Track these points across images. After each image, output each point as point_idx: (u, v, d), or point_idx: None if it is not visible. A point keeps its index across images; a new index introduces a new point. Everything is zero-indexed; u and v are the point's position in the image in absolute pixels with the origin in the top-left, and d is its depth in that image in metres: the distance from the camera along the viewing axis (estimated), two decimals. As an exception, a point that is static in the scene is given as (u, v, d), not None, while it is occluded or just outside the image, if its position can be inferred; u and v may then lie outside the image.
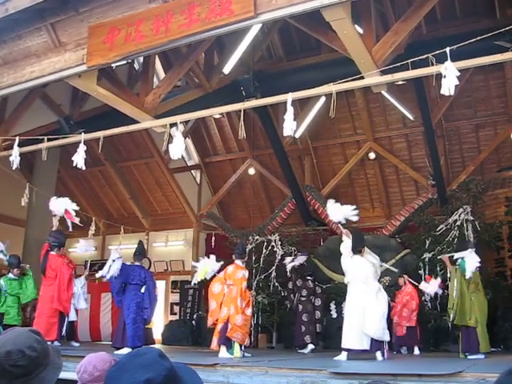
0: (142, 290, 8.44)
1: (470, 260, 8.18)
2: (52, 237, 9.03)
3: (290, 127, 6.77)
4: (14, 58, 8.19)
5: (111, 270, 8.15)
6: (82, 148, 8.32)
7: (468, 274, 8.13)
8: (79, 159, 8.25)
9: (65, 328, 8.71)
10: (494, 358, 7.98)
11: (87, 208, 16.48)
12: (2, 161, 10.07)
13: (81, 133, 9.13)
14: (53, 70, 7.69)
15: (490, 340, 8.19)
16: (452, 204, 12.20)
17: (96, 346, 10.54)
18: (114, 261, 8.18)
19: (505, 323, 10.81)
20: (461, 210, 11.37)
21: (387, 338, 7.32)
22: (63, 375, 2.04)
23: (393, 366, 6.07)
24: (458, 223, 11.25)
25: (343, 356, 7.13)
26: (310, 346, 10.35)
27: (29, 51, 8.01)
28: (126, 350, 7.89)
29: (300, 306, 10.70)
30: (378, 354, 7.10)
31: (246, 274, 8.17)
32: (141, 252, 9.01)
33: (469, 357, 7.87)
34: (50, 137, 9.38)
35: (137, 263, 8.79)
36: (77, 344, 10.30)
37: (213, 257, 8.36)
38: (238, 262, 8.25)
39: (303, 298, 10.74)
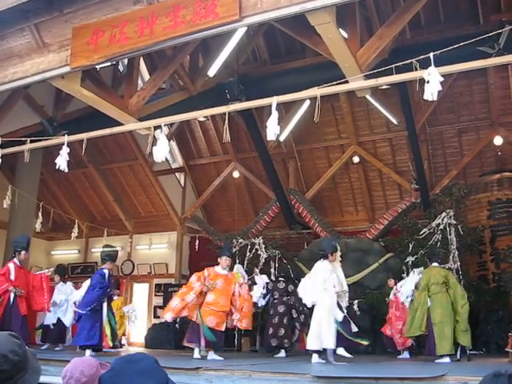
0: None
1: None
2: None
3: (274, 131, 6.77)
4: (-4, 58, 8.12)
5: None
6: (65, 150, 8.26)
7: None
8: (62, 161, 8.19)
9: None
10: (476, 361, 8.02)
11: (70, 210, 16.38)
12: (-17, 162, 9.97)
13: (64, 134, 9.06)
14: (36, 71, 7.63)
15: (472, 343, 8.16)
16: (435, 208, 12.28)
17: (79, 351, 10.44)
18: None
19: (487, 326, 10.90)
20: (444, 214, 11.44)
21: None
22: (44, 379, 2.02)
23: (375, 370, 6.09)
24: (441, 227, 11.31)
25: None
26: (282, 353, 10.10)
27: (12, 52, 7.93)
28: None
29: (271, 310, 10.52)
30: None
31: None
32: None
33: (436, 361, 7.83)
34: (32, 138, 9.30)
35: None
36: (58, 348, 10.21)
37: None
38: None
39: (275, 301, 10.55)
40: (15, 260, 8.22)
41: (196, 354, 7.65)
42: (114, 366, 1.49)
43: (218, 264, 8.13)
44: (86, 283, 9.23)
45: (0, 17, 7.37)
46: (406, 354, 9.81)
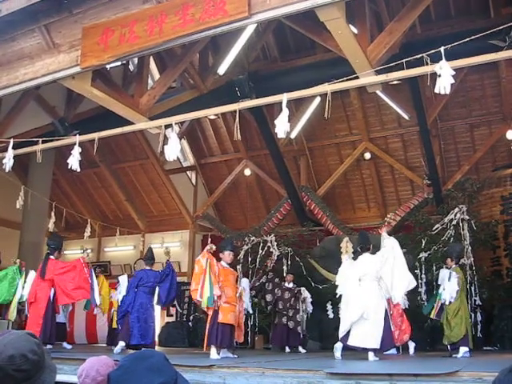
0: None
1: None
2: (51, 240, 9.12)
3: (284, 129, 6.76)
4: (7, 59, 8.15)
5: None
6: (76, 150, 8.30)
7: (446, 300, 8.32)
8: (74, 161, 8.23)
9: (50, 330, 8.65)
10: (491, 357, 7.98)
11: (83, 210, 16.46)
12: (-4, 163, 10.04)
13: (75, 134, 9.10)
14: (46, 72, 7.66)
15: (486, 339, 8.19)
16: (448, 203, 12.21)
17: (91, 349, 10.50)
18: None
19: (501, 322, 10.82)
20: (456, 209, 11.37)
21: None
22: (59, 378, 2.03)
23: (389, 366, 6.07)
24: (454, 222, 11.24)
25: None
26: (300, 349, 10.41)
27: (22, 53, 7.97)
28: (122, 343, 8.07)
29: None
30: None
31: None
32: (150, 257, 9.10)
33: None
34: (44, 139, 9.35)
35: (147, 267, 8.88)
36: (69, 346, 10.25)
37: None
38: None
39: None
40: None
41: (215, 354, 7.54)
42: (123, 364, 1.49)
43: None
44: (124, 281, 9.44)
45: (10, 19, 7.40)
46: (393, 351, 9.79)
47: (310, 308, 10.89)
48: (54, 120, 10.84)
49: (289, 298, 10.81)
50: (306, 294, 10.92)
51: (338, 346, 7.14)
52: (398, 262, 7.29)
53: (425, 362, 7.52)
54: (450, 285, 8.32)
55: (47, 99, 11.78)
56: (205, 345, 7.65)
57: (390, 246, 7.38)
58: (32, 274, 8.93)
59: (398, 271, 7.23)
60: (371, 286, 7.20)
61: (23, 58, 7.96)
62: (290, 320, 10.61)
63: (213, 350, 7.44)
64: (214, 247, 7.76)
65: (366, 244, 7.62)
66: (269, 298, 11.22)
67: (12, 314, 9.18)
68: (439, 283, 8.68)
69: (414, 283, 7.48)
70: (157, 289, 8.65)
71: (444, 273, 8.64)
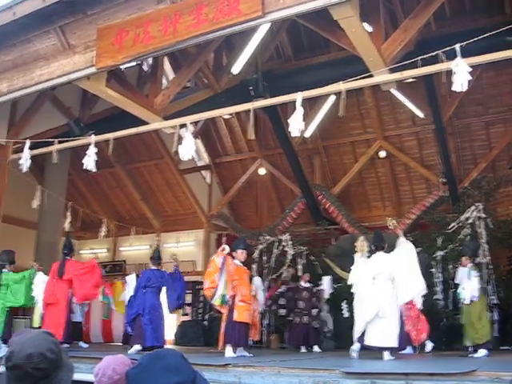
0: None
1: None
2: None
3: (298, 128, 6.75)
4: (23, 61, 8.24)
5: None
6: (92, 150, 8.37)
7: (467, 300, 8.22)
8: (90, 161, 8.30)
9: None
10: (508, 356, 7.91)
11: (98, 210, 16.55)
12: (13, 163, 10.14)
13: (91, 135, 9.17)
14: (62, 73, 7.72)
15: (502, 338, 8.13)
16: (464, 201, 12.12)
17: (107, 348, 10.56)
18: None
19: (518, 321, 10.73)
20: (473, 207, 11.28)
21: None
22: (75, 376, 2.04)
23: (405, 365, 6.04)
24: (470, 221, 11.16)
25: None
26: (316, 348, 10.44)
27: (38, 54, 8.05)
28: (138, 346, 8.03)
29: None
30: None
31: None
32: (157, 257, 9.08)
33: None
34: (60, 139, 9.44)
35: (153, 267, 8.85)
36: (85, 345, 10.32)
37: None
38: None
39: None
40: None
41: (231, 353, 7.53)
42: (141, 362, 1.50)
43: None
44: (132, 281, 9.49)
45: (25, 21, 7.48)
46: (409, 350, 9.75)
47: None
48: (70, 121, 10.94)
49: (308, 297, 10.80)
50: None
51: (356, 347, 7.11)
52: (413, 266, 7.29)
53: (441, 361, 7.48)
54: (470, 283, 8.23)
55: (62, 100, 11.86)
56: (220, 344, 7.67)
57: (406, 251, 7.39)
58: (41, 276, 8.97)
59: (413, 275, 7.23)
60: (385, 284, 7.19)
61: (39, 59, 8.04)
62: (314, 320, 10.64)
63: (228, 348, 7.45)
64: (227, 249, 7.77)
65: (381, 243, 7.60)
66: (283, 304, 11.31)
67: (36, 320, 9.22)
68: (457, 282, 8.58)
69: (424, 291, 7.53)
70: (164, 292, 8.67)
71: (463, 271, 8.55)
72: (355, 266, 7.66)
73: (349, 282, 7.71)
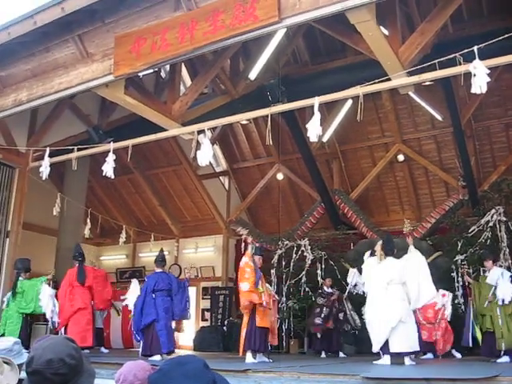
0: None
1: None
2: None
3: (316, 133, 6.75)
4: (42, 70, 8.34)
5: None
6: (111, 157, 8.43)
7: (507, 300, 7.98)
8: (109, 168, 8.36)
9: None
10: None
11: (117, 216, 16.65)
12: (33, 171, 10.25)
13: (110, 142, 9.24)
14: (81, 81, 7.80)
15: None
16: (484, 205, 12.00)
17: (127, 353, 10.61)
18: None
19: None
20: (493, 210, 11.18)
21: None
22: (96, 382, 2.06)
23: (426, 371, 5.99)
24: (491, 224, 11.06)
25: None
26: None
27: (57, 63, 8.13)
28: (158, 357, 7.94)
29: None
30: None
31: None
32: (162, 259, 8.98)
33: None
34: (79, 146, 9.53)
35: (158, 270, 8.75)
36: (106, 351, 10.37)
37: None
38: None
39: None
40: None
41: (251, 359, 7.53)
42: (163, 368, 1.51)
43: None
44: (135, 286, 9.47)
45: (45, 30, 7.57)
46: (429, 355, 9.68)
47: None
48: (89, 128, 11.04)
49: (332, 302, 10.81)
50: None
51: (385, 360, 7.04)
52: (423, 274, 7.32)
53: (462, 366, 7.42)
54: (503, 284, 8.10)
55: (81, 108, 11.97)
56: (241, 349, 7.67)
57: (416, 258, 7.43)
58: (46, 288, 8.90)
59: (424, 283, 7.26)
60: (398, 290, 7.22)
61: (58, 67, 8.12)
62: (344, 324, 10.66)
63: (249, 354, 7.46)
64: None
65: (391, 248, 7.61)
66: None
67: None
68: (493, 284, 8.36)
69: (434, 299, 7.57)
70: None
71: (496, 272, 8.40)
72: (366, 266, 7.70)
73: (361, 281, 7.78)
